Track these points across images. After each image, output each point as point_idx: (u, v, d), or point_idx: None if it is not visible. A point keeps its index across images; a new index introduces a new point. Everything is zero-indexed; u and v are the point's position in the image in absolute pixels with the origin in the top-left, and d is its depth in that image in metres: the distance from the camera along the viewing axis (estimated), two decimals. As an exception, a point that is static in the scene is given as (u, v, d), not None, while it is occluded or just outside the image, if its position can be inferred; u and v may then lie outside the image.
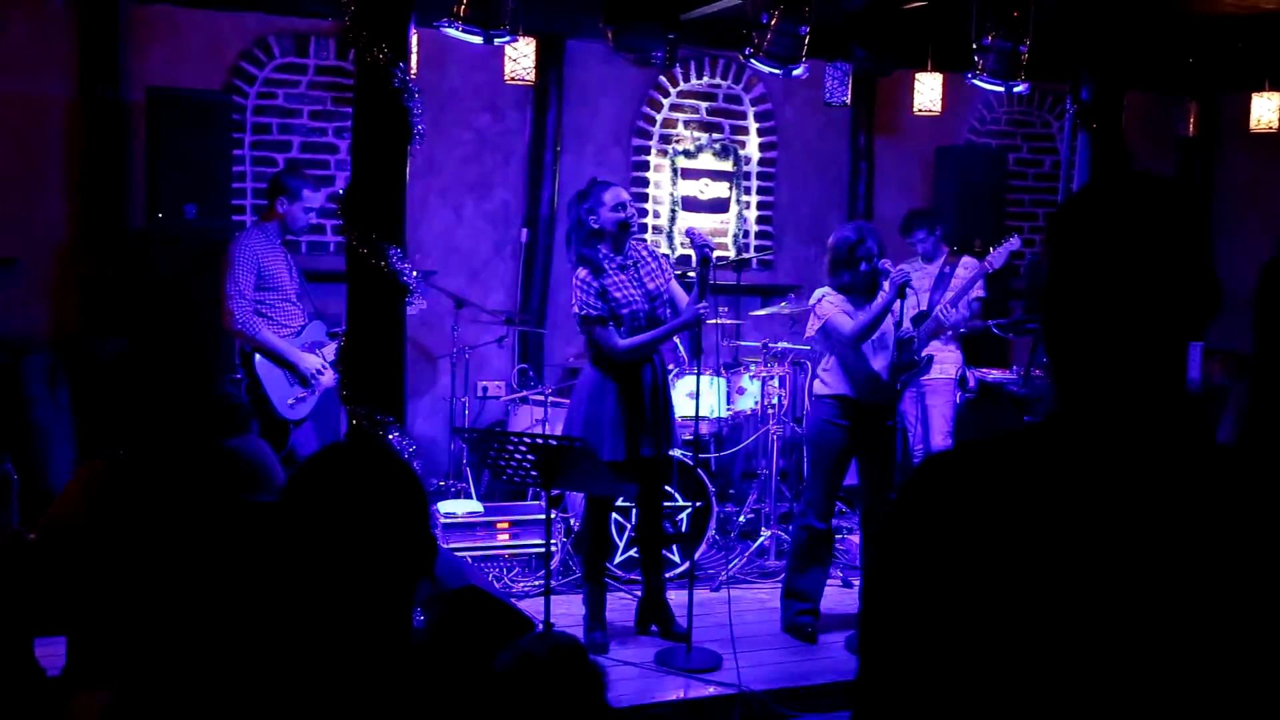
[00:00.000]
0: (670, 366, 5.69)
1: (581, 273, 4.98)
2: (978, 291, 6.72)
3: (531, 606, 5.07)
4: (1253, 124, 8.06)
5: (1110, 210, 1.36)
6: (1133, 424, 1.33)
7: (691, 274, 5.02)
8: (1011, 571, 1.27)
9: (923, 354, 6.41)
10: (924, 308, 6.57)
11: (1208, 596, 1.24)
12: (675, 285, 5.17)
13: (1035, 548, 1.27)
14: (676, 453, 5.71)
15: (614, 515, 5.58)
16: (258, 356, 5.49)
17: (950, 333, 6.72)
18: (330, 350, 5.64)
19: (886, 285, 5.10)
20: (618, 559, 5.83)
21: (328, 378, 5.63)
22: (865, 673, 1.38)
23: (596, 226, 4.98)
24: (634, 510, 5.53)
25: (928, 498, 1.36)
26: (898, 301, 5.07)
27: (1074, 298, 1.36)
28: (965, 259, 6.87)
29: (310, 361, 5.56)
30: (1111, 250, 1.33)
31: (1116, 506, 1.28)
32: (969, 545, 1.30)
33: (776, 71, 5.84)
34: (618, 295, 4.97)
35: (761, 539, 6.47)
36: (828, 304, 5.27)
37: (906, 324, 5.16)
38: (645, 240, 5.02)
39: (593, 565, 5.25)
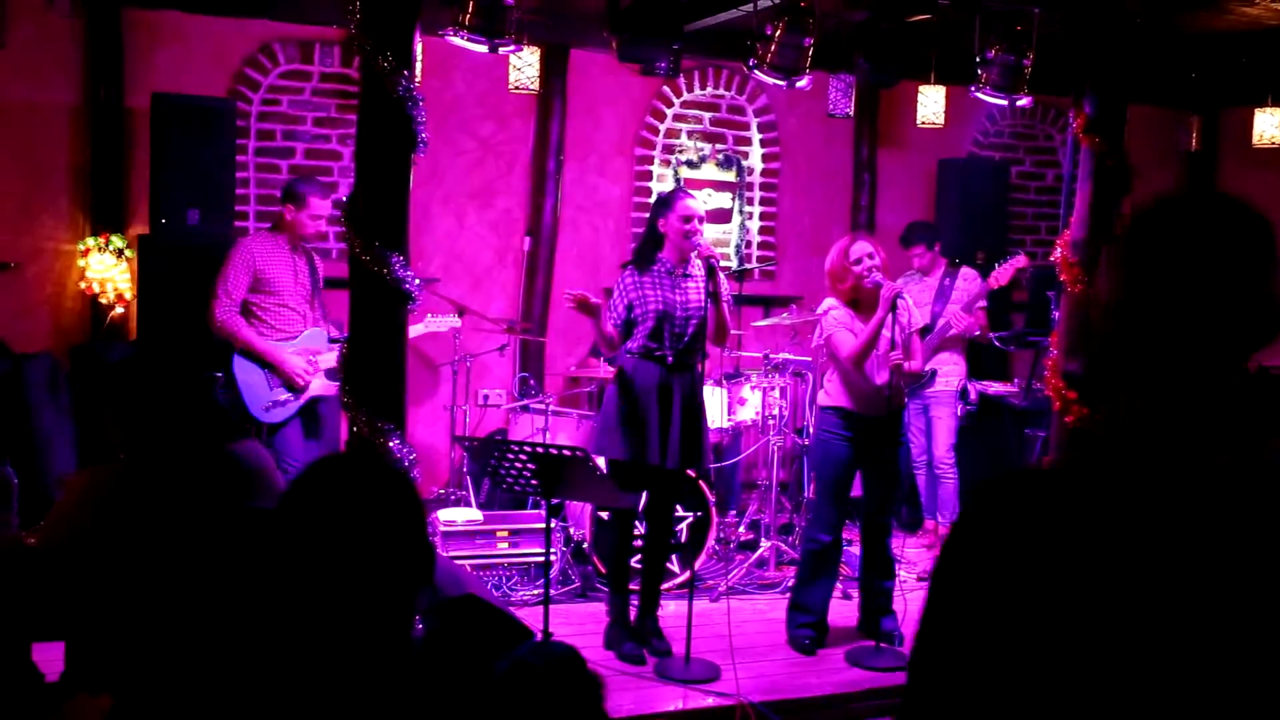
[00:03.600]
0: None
1: (625, 272, 5.14)
2: (980, 301, 6.74)
3: (530, 615, 5.07)
4: (1255, 139, 8.08)
5: (1187, 227, 1.35)
6: (1192, 448, 1.31)
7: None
8: (1073, 599, 1.26)
9: (927, 367, 6.42)
10: (926, 321, 6.59)
11: (1267, 620, 1.23)
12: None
13: (1095, 573, 1.26)
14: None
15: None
16: (236, 357, 5.50)
17: (960, 343, 6.73)
18: (328, 358, 5.64)
19: (880, 302, 5.10)
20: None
21: (317, 383, 5.62)
22: (917, 687, 1.37)
23: (662, 231, 5.08)
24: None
25: (991, 521, 1.35)
26: (889, 316, 5.06)
27: (1145, 314, 1.34)
28: (964, 270, 6.88)
29: (294, 363, 5.54)
30: (1187, 268, 1.32)
31: (1176, 533, 1.26)
32: (1031, 571, 1.28)
33: (780, 83, 5.85)
34: (647, 294, 5.05)
35: (761, 550, 6.46)
36: (832, 319, 5.26)
37: (897, 350, 5.12)
38: (718, 260, 5.07)
39: (616, 576, 5.28)
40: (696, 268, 5.13)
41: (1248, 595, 1.24)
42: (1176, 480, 1.30)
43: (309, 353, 5.64)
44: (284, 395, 5.55)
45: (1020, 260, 6.53)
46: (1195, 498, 1.28)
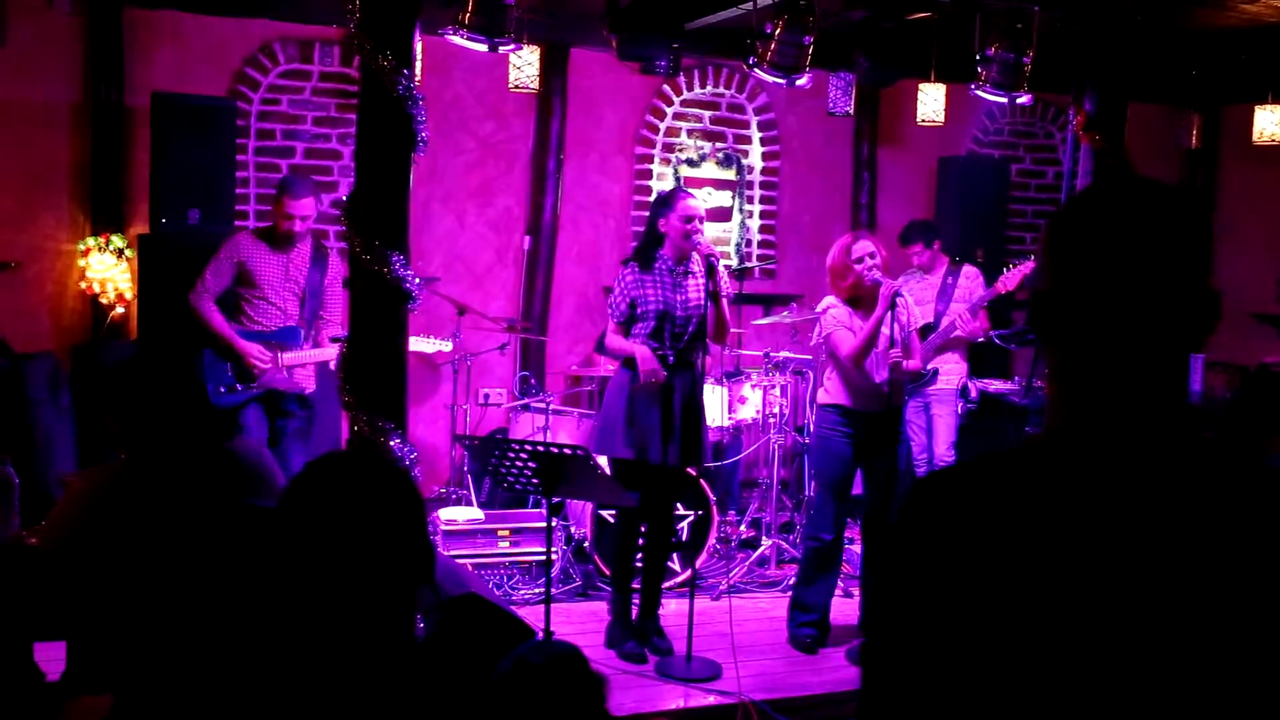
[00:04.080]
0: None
1: (626, 269, 5.13)
2: (983, 304, 6.74)
3: (532, 614, 5.07)
4: (1255, 136, 8.07)
5: (1110, 215, 1.33)
6: (1132, 436, 1.31)
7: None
8: (1014, 588, 1.26)
9: (929, 366, 6.41)
10: (928, 320, 6.59)
11: (1211, 608, 1.23)
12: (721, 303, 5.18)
13: (1037, 563, 1.26)
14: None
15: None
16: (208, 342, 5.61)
17: (962, 344, 6.72)
18: (295, 355, 5.66)
19: (879, 299, 5.09)
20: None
21: (280, 378, 5.65)
22: (869, 688, 1.37)
23: (662, 231, 5.08)
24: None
25: (928, 517, 1.35)
26: (889, 314, 5.06)
27: (1071, 305, 1.34)
28: (966, 268, 6.87)
29: (247, 348, 5.58)
30: (1110, 256, 1.31)
31: (1117, 521, 1.27)
32: (970, 563, 1.28)
33: (780, 81, 5.85)
34: (648, 293, 5.05)
35: (762, 548, 6.46)
36: (831, 317, 5.26)
37: (896, 348, 5.12)
38: (718, 259, 5.07)
39: (621, 575, 5.28)
40: (697, 266, 5.13)
41: (1188, 586, 1.24)
42: (1108, 467, 1.30)
43: (276, 348, 5.66)
44: (237, 384, 5.61)
45: (1028, 266, 6.52)
46: (1129, 484, 1.29)
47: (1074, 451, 1.32)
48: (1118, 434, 1.31)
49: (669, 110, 7.92)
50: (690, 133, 8.02)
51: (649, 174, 7.88)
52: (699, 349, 5.10)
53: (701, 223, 5.08)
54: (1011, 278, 6.53)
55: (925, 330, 6.42)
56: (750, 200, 8.22)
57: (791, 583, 5.69)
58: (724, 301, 5.07)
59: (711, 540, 6.10)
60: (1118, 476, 1.29)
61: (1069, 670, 1.24)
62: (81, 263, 6.46)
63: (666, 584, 5.58)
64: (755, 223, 8.23)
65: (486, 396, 7.48)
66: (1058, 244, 1.36)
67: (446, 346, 6.40)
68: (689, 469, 5.51)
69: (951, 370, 6.71)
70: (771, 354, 6.73)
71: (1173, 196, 1.33)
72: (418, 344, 6.36)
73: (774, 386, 6.69)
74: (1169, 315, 1.31)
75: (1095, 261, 1.32)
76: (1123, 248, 1.31)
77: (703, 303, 5.06)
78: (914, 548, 1.34)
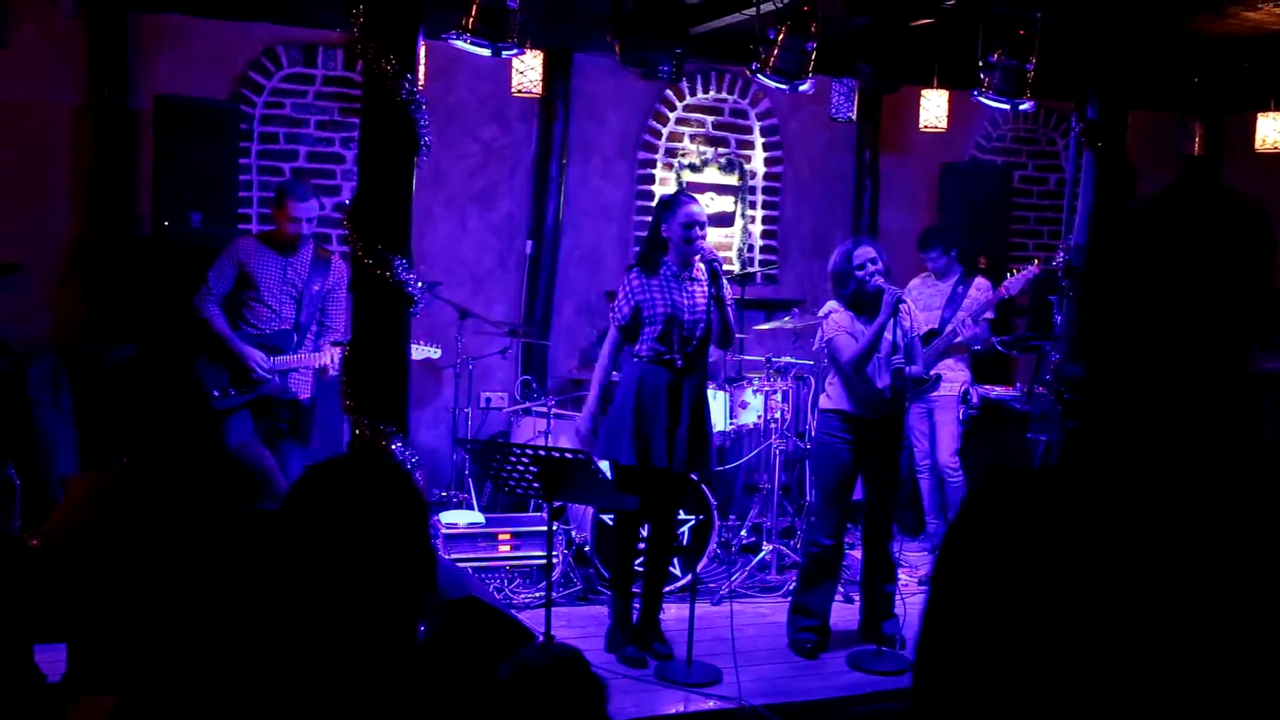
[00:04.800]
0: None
1: (630, 274, 5.14)
2: (988, 313, 6.74)
3: (532, 618, 5.07)
4: (1258, 143, 8.07)
5: (1181, 222, 1.34)
6: (1191, 441, 1.31)
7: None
8: (1073, 592, 1.26)
9: (932, 372, 6.42)
10: (934, 326, 6.59)
11: (1268, 615, 1.23)
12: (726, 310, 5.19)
13: (1097, 567, 1.26)
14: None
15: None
16: (212, 344, 5.65)
17: (965, 350, 6.73)
18: (280, 360, 5.68)
19: (882, 306, 5.10)
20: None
21: (273, 383, 5.67)
22: (924, 681, 1.37)
23: (665, 235, 5.09)
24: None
25: (991, 517, 1.35)
26: (891, 321, 5.06)
27: (1135, 311, 1.34)
28: (978, 280, 6.87)
29: (249, 353, 5.61)
30: (1180, 261, 1.32)
31: (1177, 526, 1.27)
32: (1032, 566, 1.29)
33: (783, 87, 5.85)
34: (655, 296, 5.05)
35: (763, 553, 6.46)
36: (833, 322, 5.26)
37: (899, 355, 5.12)
38: (720, 264, 5.08)
39: (621, 579, 5.27)
40: (700, 271, 5.14)
41: (1245, 595, 1.24)
42: (1176, 479, 1.30)
43: (270, 351, 5.68)
44: (231, 389, 5.62)
45: (1033, 271, 6.52)
46: (1195, 496, 1.29)
47: (1133, 457, 1.32)
48: (1174, 438, 1.32)
49: (671, 115, 7.92)
50: (693, 138, 8.03)
51: (651, 179, 7.89)
52: (705, 354, 5.12)
53: (704, 227, 5.09)
54: (1015, 282, 6.53)
55: (929, 336, 6.42)
56: (752, 205, 8.22)
57: (792, 588, 5.69)
58: (728, 307, 5.07)
59: (712, 545, 6.10)
60: (1175, 481, 1.29)
61: (1127, 676, 1.24)
62: (83, 264, 6.46)
63: (667, 588, 5.57)
64: (757, 228, 8.23)
65: (488, 400, 7.48)
66: (1124, 251, 1.36)
67: (435, 353, 6.39)
68: (694, 474, 5.51)
69: (954, 376, 6.70)
70: (773, 359, 6.73)
71: (1240, 202, 1.34)
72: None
73: (776, 391, 6.69)
74: (1232, 319, 1.31)
75: (1160, 268, 1.33)
76: (1189, 255, 1.32)
77: (708, 307, 5.07)
78: (975, 551, 1.34)
